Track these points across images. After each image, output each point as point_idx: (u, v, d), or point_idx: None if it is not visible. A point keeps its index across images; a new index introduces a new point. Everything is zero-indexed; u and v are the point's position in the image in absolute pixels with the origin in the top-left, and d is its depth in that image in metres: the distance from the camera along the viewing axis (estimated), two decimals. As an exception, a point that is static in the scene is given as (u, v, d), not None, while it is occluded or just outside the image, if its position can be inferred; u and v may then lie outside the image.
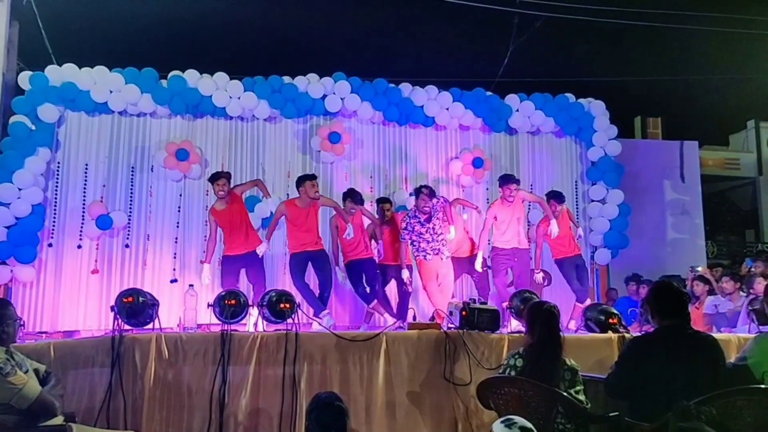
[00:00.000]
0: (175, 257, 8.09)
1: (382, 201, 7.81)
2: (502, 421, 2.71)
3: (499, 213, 7.37)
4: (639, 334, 5.00)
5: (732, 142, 16.98)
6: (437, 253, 6.92)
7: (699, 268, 9.22)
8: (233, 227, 6.79)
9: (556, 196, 7.64)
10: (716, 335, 5.51)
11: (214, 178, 6.83)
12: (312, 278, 6.96)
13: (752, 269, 8.55)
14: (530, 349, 3.81)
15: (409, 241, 7.01)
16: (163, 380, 4.72)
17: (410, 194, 8.16)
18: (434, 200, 7.00)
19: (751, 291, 7.26)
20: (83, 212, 8.00)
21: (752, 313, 5.79)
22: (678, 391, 3.05)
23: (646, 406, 3.32)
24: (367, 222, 7.38)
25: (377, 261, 7.30)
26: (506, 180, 7.40)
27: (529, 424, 2.69)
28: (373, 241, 7.36)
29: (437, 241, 6.90)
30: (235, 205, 6.84)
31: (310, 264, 6.83)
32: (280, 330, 5.03)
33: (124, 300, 4.92)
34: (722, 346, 3.62)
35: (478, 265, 7.33)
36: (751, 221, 16.94)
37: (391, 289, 7.59)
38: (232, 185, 6.95)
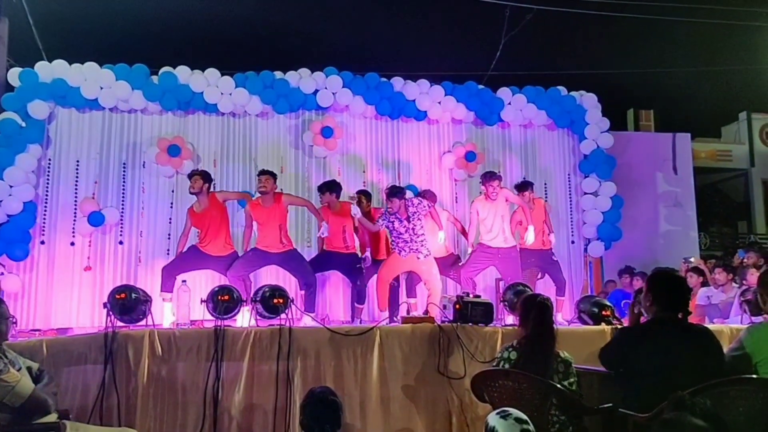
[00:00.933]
0: (168, 253, 8.06)
1: (358, 193, 7.75)
2: (497, 413, 2.72)
3: (482, 209, 7.24)
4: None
5: (724, 133, 17.02)
6: (414, 252, 6.72)
7: (692, 260, 9.25)
8: (207, 230, 6.63)
9: (522, 186, 7.63)
10: (708, 326, 5.55)
11: (189, 175, 6.79)
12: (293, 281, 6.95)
13: (744, 260, 8.60)
14: (524, 341, 3.81)
15: (390, 239, 6.94)
16: (156, 377, 4.70)
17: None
18: (405, 200, 6.78)
19: (744, 282, 7.29)
20: (75, 209, 7.98)
21: (745, 304, 5.82)
22: (671, 383, 3.06)
23: (640, 397, 3.33)
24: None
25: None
26: (489, 177, 7.26)
27: (524, 416, 2.70)
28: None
29: (416, 242, 6.71)
30: (213, 209, 6.64)
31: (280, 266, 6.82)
32: (273, 325, 5.02)
33: (117, 296, 4.91)
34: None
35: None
36: (743, 212, 17.00)
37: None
38: (217, 189, 6.92)
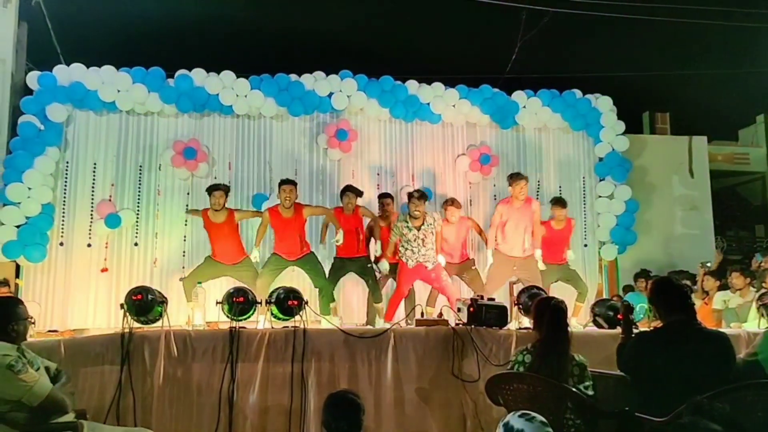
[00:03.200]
0: (183, 255, 8.13)
1: (382, 196, 7.72)
2: (520, 416, 2.67)
3: (505, 212, 7.16)
4: (646, 329, 4.97)
5: (741, 136, 16.82)
6: (420, 262, 6.67)
7: (709, 264, 9.15)
8: (221, 243, 6.73)
9: (557, 202, 7.53)
10: (725, 330, 5.50)
11: (210, 189, 6.75)
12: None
13: (762, 264, 8.48)
14: (538, 344, 3.80)
15: (398, 243, 6.85)
16: (172, 377, 4.74)
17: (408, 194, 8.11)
18: (425, 205, 6.70)
19: (763, 285, 7.19)
20: (92, 211, 8.05)
21: (762, 308, 5.75)
22: (686, 386, 3.04)
23: (657, 401, 3.32)
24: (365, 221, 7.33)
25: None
26: (515, 177, 7.16)
27: (545, 420, 2.68)
28: (372, 239, 7.23)
29: (421, 254, 6.64)
30: (228, 225, 6.71)
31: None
32: (288, 327, 5.04)
33: (133, 297, 4.94)
34: (732, 341, 3.60)
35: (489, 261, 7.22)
36: (761, 216, 16.79)
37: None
38: (233, 205, 7.02)
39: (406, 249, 6.69)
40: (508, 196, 7.31)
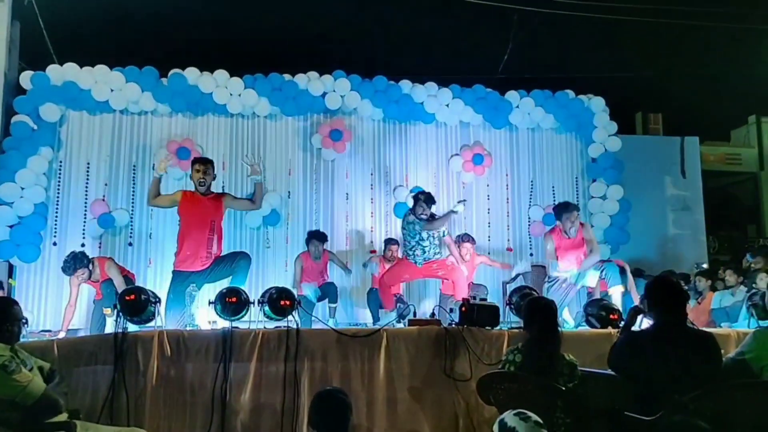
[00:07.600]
0: (175, 255, 8.10)
1: (388, 242, 7.96)
2: (516, 414, 2.70)
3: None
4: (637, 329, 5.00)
5: (733, 137, 16.87)
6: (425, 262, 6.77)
7: (704, 265, 9.21)
8: None
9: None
10: (715, 330, 5.54)
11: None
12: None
13: (752, 264, 8.54)
14: (529, 344, 3.83)
15: (405, 244, 6.81)
16: (165, 377, 4.73)
17: (410, 191, 8.16)
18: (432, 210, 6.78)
19: (754, 286, 7.24)
20: (86, 211, 8.05)
21: (752, 308, 5.80)
22: (674, 386, 3.07)
23: (646, 400, 3.35)
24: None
25: None
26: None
27: (540, 419, 2.70)
28: None
29: (431, 254, 6.69)
30: None
31: None
32: (280, 327, 5.05)
33: (127, 298, 4.93)
34: (721, 341, 3.63)
35: None
36: (752, 216, 16.86)
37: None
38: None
39: (416, 249, 6.67)
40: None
